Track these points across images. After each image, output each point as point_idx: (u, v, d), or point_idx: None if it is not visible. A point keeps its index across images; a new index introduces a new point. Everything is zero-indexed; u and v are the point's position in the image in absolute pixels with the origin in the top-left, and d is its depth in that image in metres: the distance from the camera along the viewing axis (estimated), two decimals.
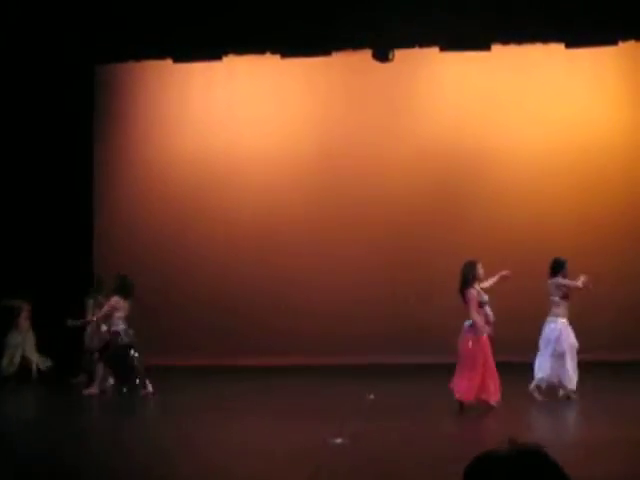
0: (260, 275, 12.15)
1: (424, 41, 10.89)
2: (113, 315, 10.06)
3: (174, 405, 9.52)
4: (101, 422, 9.43)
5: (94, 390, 10.22)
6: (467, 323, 8.56)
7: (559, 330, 9.01)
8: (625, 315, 11.51)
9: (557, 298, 9.04)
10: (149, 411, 9.73)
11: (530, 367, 9.10)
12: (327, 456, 6.81)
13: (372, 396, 9.37)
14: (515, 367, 9.32)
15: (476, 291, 8.51)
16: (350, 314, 11.95)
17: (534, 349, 9.11)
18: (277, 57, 10.99)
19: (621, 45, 10.85)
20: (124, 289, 10.10)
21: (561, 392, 9.04)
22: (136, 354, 9.96)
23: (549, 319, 9.10)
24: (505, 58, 11.56)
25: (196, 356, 11.91)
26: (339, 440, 7.08)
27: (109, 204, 12.56)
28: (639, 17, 10.35)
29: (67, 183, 12.11)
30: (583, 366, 9.09)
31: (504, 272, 8.77)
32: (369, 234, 12.04)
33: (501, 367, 8.63)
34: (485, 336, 8.54)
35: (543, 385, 9.07)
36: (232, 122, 12.32)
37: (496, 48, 10.83)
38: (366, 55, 10.89)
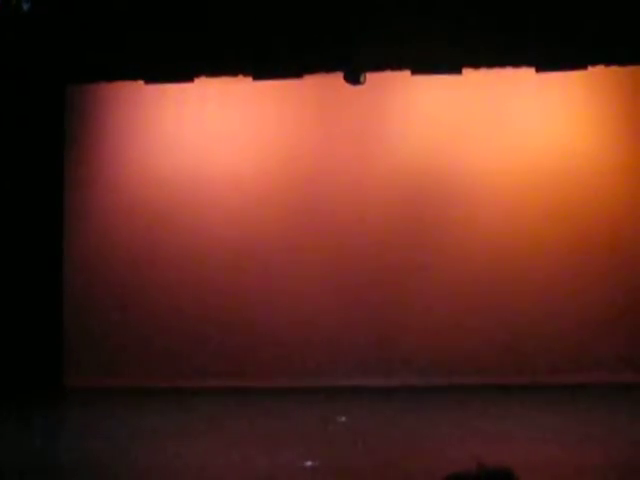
0: (229, 294, 12.09)
1: (396, 64, 10.93)
2: None
3: (124, 430, 9.32)
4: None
5: None
6: None
7: None
8: (593, 337, 11.57)
9: None
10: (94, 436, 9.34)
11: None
12: None
13: (343, 419, 9.34)
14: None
15: None
16: (321, 335, 11.90)
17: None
18: (249, 79, 11.01)
19: (590, 70, 10.96)
20: None
21: None
22: None
23: None
24: (475, 82, 11.63)
25: (157, 377, 11.85)
26: (309, 463, 7.04)
27: (79, 224, 12.47)
28: (608, 42, 10.49)
29: (36, 205, 12.02)
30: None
31: None
32: (340, 254, 12.02)
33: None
34: None
35: None
36: (203, 142, 12.30)
37: (467, 72, 10.91)
38: (338, 77, 10.95)
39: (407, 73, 10.98)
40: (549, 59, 10.66)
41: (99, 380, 11.94)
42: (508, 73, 11.24)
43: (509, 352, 11.60)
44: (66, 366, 12.18)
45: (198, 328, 12.08)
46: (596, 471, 7.28)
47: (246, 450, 8.05)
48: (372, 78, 11.00)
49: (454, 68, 10.82)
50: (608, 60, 10.86)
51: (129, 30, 10.53)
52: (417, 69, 10.87)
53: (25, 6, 9.96)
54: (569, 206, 11.79)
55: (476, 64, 10.88)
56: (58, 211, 12.38)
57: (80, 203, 12.45)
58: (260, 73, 10.96)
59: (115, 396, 11.23)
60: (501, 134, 11.93)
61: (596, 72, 11.11)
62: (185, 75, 11.06)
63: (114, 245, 12.35)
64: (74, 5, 10.42)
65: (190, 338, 12.08)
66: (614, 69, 11.12)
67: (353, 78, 10.95)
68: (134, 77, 11.24)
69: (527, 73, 11.05)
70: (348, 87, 11.00)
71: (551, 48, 10.50)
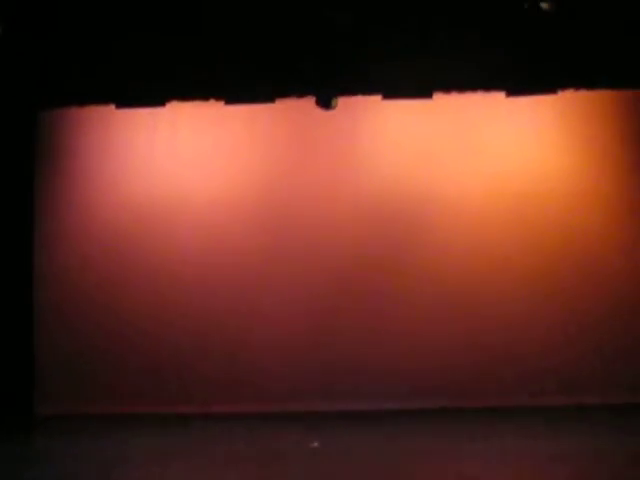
0: (200, 317, 12.07)
1: (367, 89, 11.00)
2: None
3: (95, 456, 9.22)
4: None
5: None
6: None
7: None
8: (564, 359, 11.63)
9: None
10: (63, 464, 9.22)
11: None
12: None
13: (316, 444, 9.31)
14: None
15: None
16: (291, 359, 11.90)
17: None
18: (221, 103, 11.02)
19: (560, 94, 11.06)
20: None
21: None
22: None
23: None
24: (446, 107, 11.73)
25: (129, 402, 11.81)
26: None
27: (50, 249, 12.40)
28: (577, 66, 10.60)
29: (6, 228, 11.96)
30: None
31: None
32: (312, 278, 12.03)
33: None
34: None
35: None
36: (175, 166, 12.30)
37: (438, 97, 10.99)
38: (310, 102, 10.99)
39: (378, 98, 11.05)
40: (519, 83, 10.76)
41: (71, 407, 11.86)
42: (479, 97, 11.33)
43: (480, 375, 11.63)
44: (37, 393, 12.08)
45: (170, 352, 12.04)
46: None
47: (215, 475, 8.01)
48: (343, 103, 11.05)
49: (425, 93, 10.91)
50: (577, 84, 10.97)
51: (101, 54, 10.53)
52: (388, 94, 10.95)
53: None
54: (540, 230, 11.86)
55: (447, 88, 10.95)
56: (28, 236, 12.30)
57: (51, 227, 12.39)
58: (232, 97, 10.99)
59: (87, 423, 11.15)
60: (472, 158, 12.00)
61: (566, 96, 11.22)
62: (157, 99, 11.06)
63: (85, 268, 12.28)
64: (46, 30, 10.40)
65: (162, 362, 12.03)
66: (583, 93, 11.22)
67: (325, 103, 11.01)
68: (105, 101, 11.22)
69: (497, 97, 11.14)
70: (320, 111, 11.04)
71: (521, 72, 10.60)
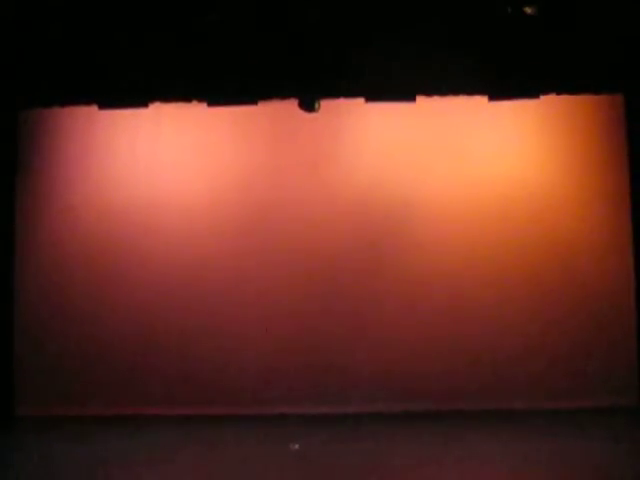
0: (182, 321, 12.03)
1: (350, 92, 11.00)
2: None
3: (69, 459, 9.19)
4: None
5: None
6: None
7: None
8: (548, 364, 11.66)
9: None
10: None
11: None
12: None
13: (297, 446, 9.30)
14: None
15: None
16: (272, 363, 11.88)
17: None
18: (203, 105, 11.00)
19: (542, 99, 11.10)
20: None
21: None
22: None
23: None
24: (429, 110, 11.75)
25: (109, 405, 11.84)
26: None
27: (31, 251, 12.35)
28: (560, 71, 10.65)
29: None
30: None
31: None
32: (294, 282, 12.02)
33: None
34: None
35: None
36: (157, 168, 12.27)
37: (420, 100, 11.00)
38: (293, 104, 10.99)
39: (361, 100, 11.05)
40: (501, 88, 10.79)
41: (52, 408, 11.82)
42: (461, 101, 11.35)
43: (463, 379, 11.65)
44: (18, 394, 12.02)
45: (152, 355, 12.01)
46: None
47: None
48: (326, 105, 11.06)
49: (408, 96, 10.91)
50: (559, 89, 11.01)
51: (82, 55, 10.51)
52: (371, 97, 10.95)
53: None
54: (522, 234, 11.89)
55: (429, 92, 10.97)
56: (9, 239, 12.24)
57: (32, 229, 12.33)
58: (215, 99, 10.96)
59: (66, 425, 11.11)
60: (454, 162, 12.02)
61: (548, 101, 11.25)
62: (139, 100, 11.03)
63: (67, 271, 12.23)
64: (26, 30, 10.37)
65: (144, 365, 11.99)
66: (565, 98, 11.26)
67: (308, 105, 11.02)
68: (88, 102, 11.18)
69: (480, 101, 11.16)
70: (303, 114, 11.05)
71: (503, 77, 10.64)
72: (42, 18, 10.23)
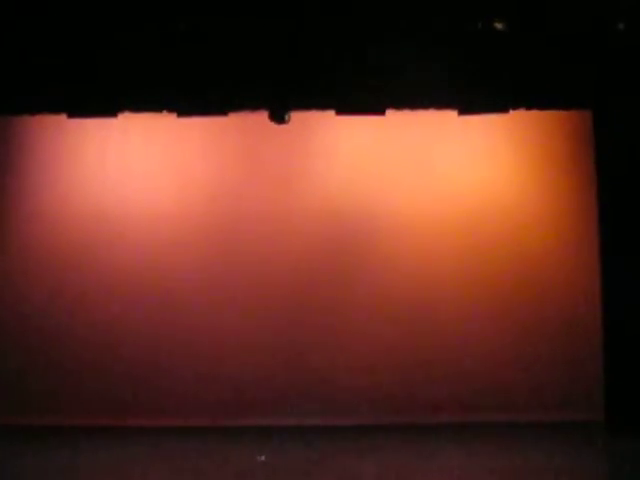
0: (150, 334, 12.00)
1: (320, 104, 11.00)
2: None
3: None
4: None
5: None
6: None
7: None
8: (513, 377, 11.70)
9: None
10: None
11: None
12: None
13: (263, 457, 9.31)
14: None
15: None
16: (240, 375, 11.85)
17: None
18: (173, 115, 10.97)
19: (512, 113, 11.14)
20: None
21: None
22: None
23: None
24: (398, 124, 11.78)
25: (81, 415, 11.77)
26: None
27: None
28: (529, 86, 10.70)
29: None
30: None
31: None
32: (264, 294, 12.02)
33: None
34: None
35: None
36: (125, 178, 12.24)
37: (390, 114, 11.02)
38: (262, 116, 10.98)
39: (331, 113, 11.05)
40: (471, 102, 10.83)
41: (14, 418, 11.73)
42: (431, 115, 11.37)
43: (424, 391, 11.69)
44: None
45: (123, 365, 11.96)
46: None
47: None
48: (296, 117, 11.05)
49: (377, 109, 10.91)
50: (529, 104, 11.05)
51: (52, 63, 10.46)
52: (341, 109, 10.95)
53: None
54: (490, 248, 11.94)
55: (399, 105, 10.98)
56: None
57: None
58: (185, 110, 10.92)
59: (31, 435, 11.06)
60: (423, 175, 12.07)
61: (517, 116, 11.29)
62: (109, 110, 10.97)
63: (35, 279, 12.17)
64: None
65: (115, 375, 11.95)
66: (535, 113, 11.31)
67: (278, 117, 11.01)
68: (57, 111, 11.11)
69: (450, 115, 11.18)
70: (273, 125, 11.04)
71: (473, 91, 10.68)
72: (9, 25, 10.19)
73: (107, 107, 10.93)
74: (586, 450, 9.85)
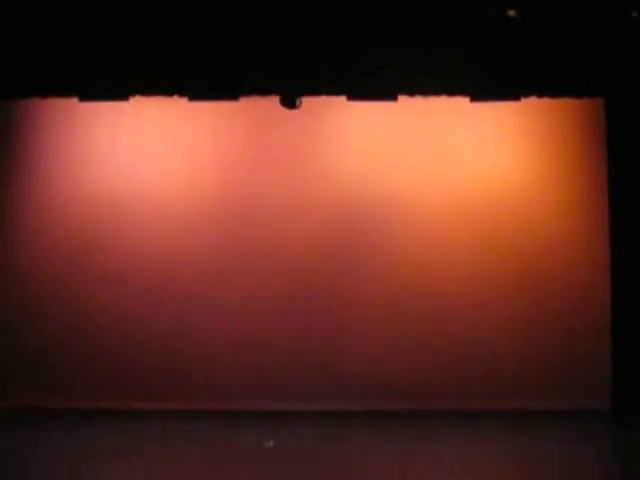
0: (162, 317, 12.06)
1: (332, 89, 10.98)
2: None
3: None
4: None
5: None
6: None
7: None
8: (525, 363, 11.73)
9: None
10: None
11: None
12: None
13: (271, 443, 9.34)
14: None
15: None
16: (248, 359, 11.92)
17: None
18: (184, 99, 10.96)
19: (523, 100, 11.12)
20: None
21: None
22: None
23: None
24: (410, 110, 11.76)
25: (89, 398, 11.86)
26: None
27: (9, 243, 12.33)
28: (541, 74, 10.67)
29: None
30: None
31: None
32: (274, 279, 12.05)
33: None
34: None
35: None
36: (136, 162, 12.26)
37: (402, 100, 11.00)
38: (274, 100, 10.97)
39: (343, 98, 11.03)
40: (483, 89, 10.81)
41: (32, 400, 11.83)
42: (443, 102, 11.34)
43: (433, 377, 11.72)
44: None
45: (132, 349, 12.03)
46: None
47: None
48: (308, 102, 11.04)
49: (389, 95, 10.89)
50: (541, 91, 11.02)
51: (65, 46, 10.45)
52: (353, 95, 10.92)
53: None
54: (501, 234, 11.95)
55: (411, 92, 10.96)
56: None
57: (11, 222, 12.34)
58: (196, 93, 10.91)
59: (45, 418, 11.15)
60: (435, 162, 12.07)
61: (529, 103, 11.26)
62: (120, 93, 10.97)
63: (47, 265, 12.23)
64: (9, 20, 10.32)
65: (123, 359, 12.01)
66: (546, 100, 11.28)
67: (289, 102, 10.99)
68: (68, 94, 11.10)
69: (462, 102, 11.16)
70: (284, 110, 11.02)
71: (485, 78, 10.65)
72: (21, 9, 10.19)
73: (118, 91, 10.91)
74: (594, 438, 9.87)
